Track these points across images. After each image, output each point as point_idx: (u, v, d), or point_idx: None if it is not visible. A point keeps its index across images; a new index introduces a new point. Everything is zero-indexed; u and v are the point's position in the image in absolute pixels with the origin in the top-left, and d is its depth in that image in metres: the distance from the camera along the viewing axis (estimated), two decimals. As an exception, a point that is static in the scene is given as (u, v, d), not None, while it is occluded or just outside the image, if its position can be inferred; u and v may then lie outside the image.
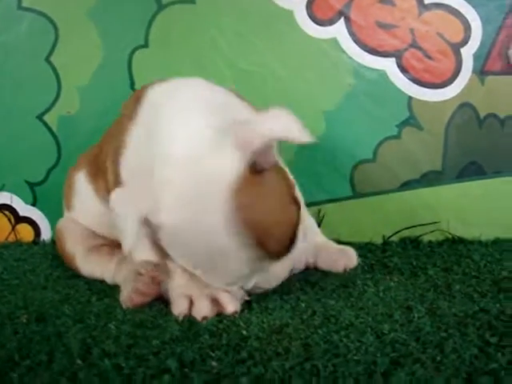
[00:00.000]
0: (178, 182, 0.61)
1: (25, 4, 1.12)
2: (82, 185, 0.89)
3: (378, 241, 1.09)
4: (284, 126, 0.61)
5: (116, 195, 0.64)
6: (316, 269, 0.86)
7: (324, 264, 0.86)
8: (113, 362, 0.52)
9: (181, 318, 0.63)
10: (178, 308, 0.64)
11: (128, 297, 0.68)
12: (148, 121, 0.70)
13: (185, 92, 0.73)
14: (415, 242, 1.06)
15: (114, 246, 0.84)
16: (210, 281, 0.64)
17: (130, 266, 0.73)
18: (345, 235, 1.05)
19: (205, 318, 0.62)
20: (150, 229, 0.63)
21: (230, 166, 0.60)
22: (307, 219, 0.84)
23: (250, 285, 0.67)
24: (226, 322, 0.62)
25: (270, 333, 0.59)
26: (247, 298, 0.66)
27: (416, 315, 0.64)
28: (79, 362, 0.52)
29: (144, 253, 0.67)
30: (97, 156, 0.86)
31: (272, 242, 0.63)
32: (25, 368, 0.51)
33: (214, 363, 0.52)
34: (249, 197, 0.60)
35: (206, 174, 0.60)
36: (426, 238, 1.08)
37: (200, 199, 0.60)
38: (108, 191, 0.72)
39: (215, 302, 0.64)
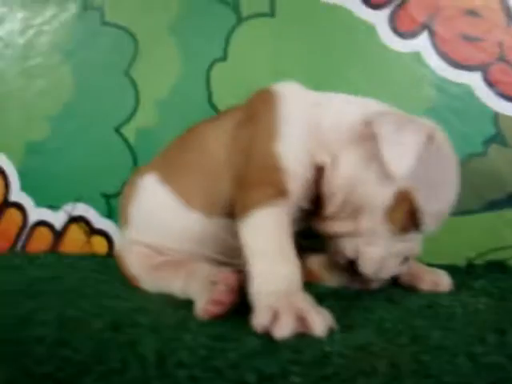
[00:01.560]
0: None
1: (107, 19, 1.14)
2: (151, 188, 0.86)
3: (461, 263, 1.03)
4: None
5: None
6: (398, 285, 0.83)
7: (412, 278, 0.82)
8: (188, 373, 0.49)
9: (259, 331, 0.59)
10: (260, 320, 0.58)
11: (203, 308, 0.65)
12: None
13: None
14: (501, 265, 1.00)
15: (178, 261, 0.82)
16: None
17: (202, 275, 0.72)
18: (425, 256, 0.99)
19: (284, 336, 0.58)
20: None
21: None
22: None
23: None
24: (308, 338, 0.58)
25: (354, 350, 0.55)
26: (334, 326, 0.61)
27: (510, 338, 0.59)
28: (153, 370, 0.50)
29: None
30: (176, 160, 0.86)
31: None
32: (98, 374, 0.49)
33: (296, 379, 0.48)
34: None
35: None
36: (512, 262, 1.02)
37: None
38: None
39: (301, 320, 0.60)
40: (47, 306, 0.70)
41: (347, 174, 0.73)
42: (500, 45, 1.04)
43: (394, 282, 0.83)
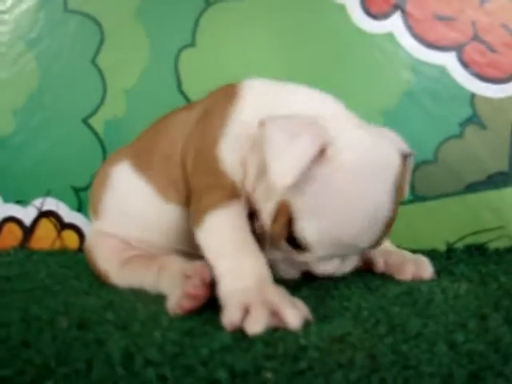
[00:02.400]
0: None
1: (71, 6, 1.10)
2: (122, 177, 0.83)
3: (442, 248, 1.02)
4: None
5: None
6: (374, 273, 0.80)
7: (391, 268, 0.79)
8: (157, 371, 0.47)
9: (230, 329, 0.56)
10: (229, 317, 0.55)
11: (176, 303, 0.63)
12: None
13: None
14: (481, 248, 0.99)
15: (150, 255, 0.80)
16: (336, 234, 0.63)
17: (175, 269, 0.69)
18: (405, 241, 0.98)
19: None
20: None
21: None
22: None
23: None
24: (282, 330, 0.56)
25: (330, 342, 0.53)
26: (309, 318, 0.59)
27: (492, 324, 0.57)
28: (120, 370, 0.47)
29: None
30: (149, 148, 0.82)
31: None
32: (61, 376, 0.46)
33: (268, 374, 0.46)
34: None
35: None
36: (492, 245, 1.01)
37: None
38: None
39: (274, 314, 0.57)
40: (11, 305, 0.68)
41: (249, 179, 0.69)
42: (473, 24, 1.02)
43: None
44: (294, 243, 0.65)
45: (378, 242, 0.68)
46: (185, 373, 0.47)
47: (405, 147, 0.70)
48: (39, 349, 0.52)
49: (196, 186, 0.73)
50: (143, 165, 0.82)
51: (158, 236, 0.81)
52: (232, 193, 0.70)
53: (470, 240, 1.03)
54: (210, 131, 0.74)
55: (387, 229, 0.67)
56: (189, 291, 0.62)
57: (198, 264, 0.66)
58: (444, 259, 0.92)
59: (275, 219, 0.65)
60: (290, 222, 0.64)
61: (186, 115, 0.81)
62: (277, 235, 0.66)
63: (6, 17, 1.13)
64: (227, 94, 0.76)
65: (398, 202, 0.67)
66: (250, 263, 0.63)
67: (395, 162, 0.66)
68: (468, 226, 1.04)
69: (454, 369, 0.47)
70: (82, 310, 0.65)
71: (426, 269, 0.77)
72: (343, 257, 0.69)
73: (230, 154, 0.71)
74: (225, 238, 0.66)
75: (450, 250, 1.01)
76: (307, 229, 0.63)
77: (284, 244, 0.67)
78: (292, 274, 0.70)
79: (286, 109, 0.69)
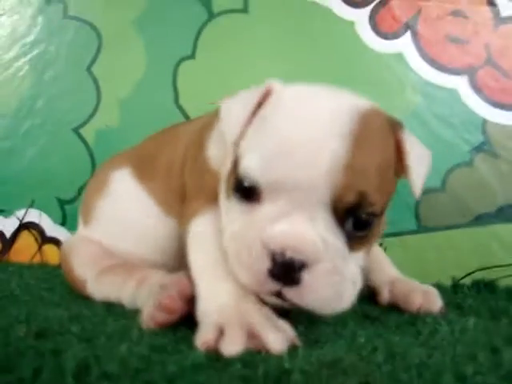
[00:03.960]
0: None
1: (71, 13, 1.08)
2: (122, 183, 0.80)
3: (447, 282, 0.95)
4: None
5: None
6: (376, 303, 0.74)
7: (396, 297, 0.73)
8: (113, 385, 0.40)
9: (203, 349, 0.49)
10: (203, 337, 0.50)
11: (149, 314, 0.56)
12: None
13: None
14: (490, 285, 0.92)
15: (132, 266, 0.74)
16: None
17: (154, 281, 0.63)
18: (408, 274, 0.91)
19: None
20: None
21: None
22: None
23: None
24: (265, 353, 0.49)
25: (319, 367, 0.46)
26: (296, 342, 0.52)
27: (506, 357, 0.50)
28: (70, 381, 0.41)
29: None
30: (151, 159, 0.79)
31: None
32: (3, 383, 0.40)
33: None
34: None
35: None
36: (503, 282, 0.94)
37: None
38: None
39: (254, 337, 0.51)
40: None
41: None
42: (487, 47, 0.98)
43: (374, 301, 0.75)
44: (243, 191, 0.58)
45: (333, 185, 0.55)
46: (145, 389, 0.40)
47: (401, 125, 0.63)
48: (-14, 355, 0.46)
49: (188, 192, 0.71)
50: (145, 175, 0.79)
51: (153, 250, 0.77)
52: (216, 195, 0.65)
53: (478, 275, 0.96)
54: (205, 139, 0.71)
55: (350, 177, 0.54)
56: (163, 302, 0.56)
57: (177, 275, 0.60)
58: (450, 293, 0.86)
59: (228, 178, 0.61)
60: (236, 167, 0.59)
61: (189, 129, 0.79)
62: (228, 190, 0.60)
63: (3, 19, 1.10)
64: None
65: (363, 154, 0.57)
66: (229, 281, 0.57)
67: (343, 112, 0.58)
68: (476, 260, 0.98)
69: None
70: (44, 319, 0.60)
71: (434, 301, 0.71)
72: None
73: (216, 150, 0.68)
74: (206, 252, 0.61)
75: (457, 285, 0.94)
76: (248, 164, 0.57)
77: (235, 203, 0.59)
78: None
79: None
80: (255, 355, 0.48)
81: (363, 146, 0.56)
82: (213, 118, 0.74)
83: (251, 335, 0.50)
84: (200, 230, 0.64)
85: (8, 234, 1.09)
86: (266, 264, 0.53)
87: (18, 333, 0.53)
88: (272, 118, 0.58)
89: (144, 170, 0.79)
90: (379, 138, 0.59)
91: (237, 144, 0.60)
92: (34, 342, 0.50)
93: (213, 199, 0.65)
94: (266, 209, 0.55)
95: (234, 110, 0.61)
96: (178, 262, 0.74)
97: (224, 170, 0.64)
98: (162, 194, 0.76)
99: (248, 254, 0.55)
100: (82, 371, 0.43)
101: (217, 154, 0.68)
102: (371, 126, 0.58)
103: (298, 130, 0.56)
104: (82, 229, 0.84)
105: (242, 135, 0.60)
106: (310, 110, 0.58)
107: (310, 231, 0.53)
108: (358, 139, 0.56)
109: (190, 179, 0.71)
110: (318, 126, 0.56)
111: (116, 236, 0.79)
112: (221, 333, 0.50)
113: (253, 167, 0.56)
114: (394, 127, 0.61)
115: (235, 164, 0.59)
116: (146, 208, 0.77)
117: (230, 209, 0.60)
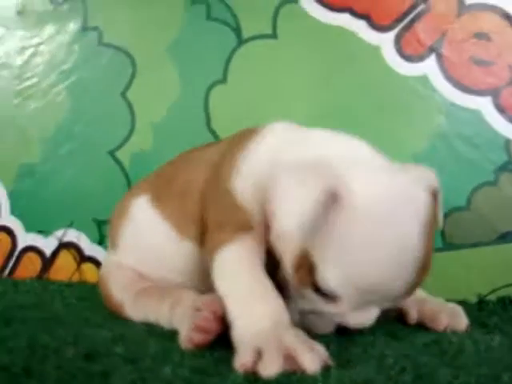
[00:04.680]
0: None
1: (105, 40, 1.12)
2: (141, 211, 0.82)
3: (472, 299, 0.96)
4: None
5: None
6: (403, 323, 0.76)
7: (423, 316, 0.75)
8: (163, 407, 0.44)
9: (241, 371, 0.53)
10: (241, 360, 0.53)
11: (187, 336, 0.60)
12: None
13: None
14: (516, 302, 0.94)
15: (164, 288, 0.77)
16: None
17: (187, 303, 0.66)
18: (433, 292, 0.93)
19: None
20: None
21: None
22: None
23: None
24: (300, 374, 0.52)
25: (352, 387, 0.49)
26: (329, 363, 0.55)
27: (530, 378, 0.53)
28: (123, 404, 0.44)
29: None
30: (168, 180, 0.81)
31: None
32: (58, 407, 0.44)
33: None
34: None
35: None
36: (528, 300, 0.95)
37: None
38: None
39: (290, 359, 0.54)
40: (19, 332, 0.65)
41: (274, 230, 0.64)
42: (511, 68, 0.99)
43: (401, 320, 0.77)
44: (322, 292, 0.62)
45: (414, 287, 0.63)
46: (192, 411, 0.44)
47: (434, 182, 0.65)
48: (41, 377, 0.49)
49: (210, 223, 0.71)
50: (161, 200, 0.81)
51: (174, 273, 0.79)
52: (245, 227, 0.67)
53: (503, 293, 0.98)
54: (226, 168, 0.72)
55: (423, 271, 0.62)
56: (199, 324, 0.60)
57: (208, 297, 0.63)
58: (476, 311, 0.88)
59: (297, 269, 0.62)
60: (312, 272, 0.60)
61: (205, 154, 0.81)
62: (301, 285, 0.62)
63: (42, 48, 1.15)
64: (246, 136, 0.75)
65: (430, 241, 0.62)
66: (264, 305, 0.60)
67: (419, 199, 0.61)
68: (501, 277, 0.99)
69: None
70: (91, 341, 0.63)
71: (461, 320, 0.73)
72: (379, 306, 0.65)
73: (243, 188, 0.69)
74: (236, 279, 0.63)
75: (482, 301, 0.96)
76: (330, 278, 0.59)
77: (311, 293, 0.63)
78: (324, 328, 0.65)
79: (302, 154, 0.66)
80: (291, 376, 0.51)
81: (430, 237, 0.62)
82: (231, 145, 0.76)
83: (287, 357, 0.53)
84: (232, 256, 0.65)
85: (48, 254, 1.14)
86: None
87: (67, 354, 0.57)
88: (353, 237, 0.58)
89: (160, 195, 0.81)
90: (433, 219, 0.63)
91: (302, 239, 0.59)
92: (83, 364, 0.54)
93: (240, 229, 0.67)
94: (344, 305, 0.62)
95: (290, 201, 0.58)
96: (197, 283, 0.76)
97: (286, 253, 0.63)
98: (177, 219, 0.78)
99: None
100: (131, 395, 0.46)
101: (243, 187, 0.69)
102: (431, 212, 0.62)
103: (382, 241, 0.58)
104: (111, 254, 0.87)
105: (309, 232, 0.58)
106: (388, 215, 0.59)
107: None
108: (426, 228, 0.60)
109: (212, 211, 0.72)
110: (401, 229, 0.59)
111: (140, 261, 0.82)
112: (258, 355, 0.53)
113: (337, 286, 0.59)
114: (436, 196, 0.65)
115: (305, 260, 0.60)
116: (163, 232, 0.78)
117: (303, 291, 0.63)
